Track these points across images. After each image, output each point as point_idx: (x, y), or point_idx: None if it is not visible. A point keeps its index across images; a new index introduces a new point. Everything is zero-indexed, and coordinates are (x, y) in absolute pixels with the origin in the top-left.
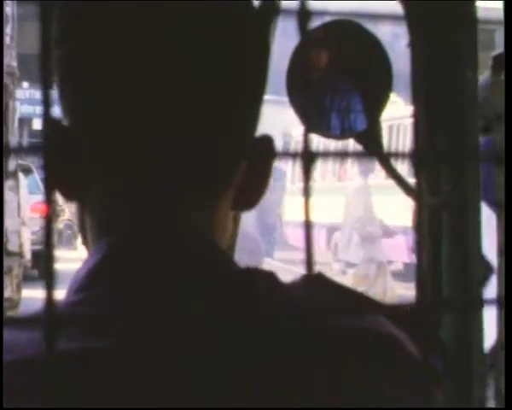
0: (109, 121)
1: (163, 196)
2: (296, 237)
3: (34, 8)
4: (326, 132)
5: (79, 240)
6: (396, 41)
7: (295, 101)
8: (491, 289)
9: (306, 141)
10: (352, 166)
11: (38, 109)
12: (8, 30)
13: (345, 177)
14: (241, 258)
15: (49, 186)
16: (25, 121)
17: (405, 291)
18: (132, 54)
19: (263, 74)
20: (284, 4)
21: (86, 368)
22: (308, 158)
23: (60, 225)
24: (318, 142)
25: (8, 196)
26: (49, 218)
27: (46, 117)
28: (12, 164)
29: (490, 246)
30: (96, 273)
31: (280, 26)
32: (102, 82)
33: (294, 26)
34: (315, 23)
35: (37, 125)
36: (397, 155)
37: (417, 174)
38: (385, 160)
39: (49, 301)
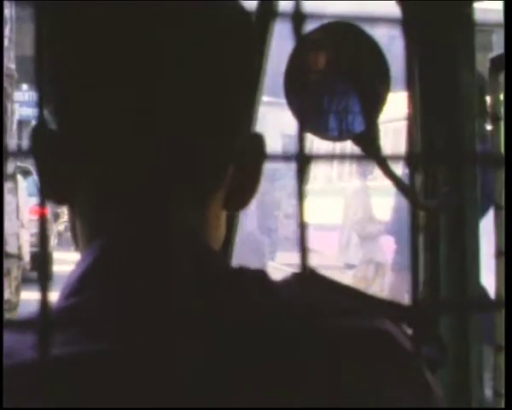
0: (96, 123)
1: (153, 197)
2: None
3: (32, 10)
4: (324, 134)
5: None
6: (393, 43)
7: (293, 103)
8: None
9: (301, 142)
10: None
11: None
12: (6, 32)
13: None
14: (245, 260)
15: (41, 189)
16: (24, 123)
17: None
18: (117, 55)
19: (254, 76)
20: (281, 6)
21: (86, 371)
22: (303, 160)
23: (60, 226)
24: (328, 145)
25: (7, 198)
26: (44, 221)
27: (38, 119)
28: (11, 166)
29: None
30: (89, 276)
31: (278, 28)
32: (88, 83)
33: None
34: (312, 25)
35: None
36: (394, 157)
37: (412, 176)
38: (383, 161)
39: (44, 303)
